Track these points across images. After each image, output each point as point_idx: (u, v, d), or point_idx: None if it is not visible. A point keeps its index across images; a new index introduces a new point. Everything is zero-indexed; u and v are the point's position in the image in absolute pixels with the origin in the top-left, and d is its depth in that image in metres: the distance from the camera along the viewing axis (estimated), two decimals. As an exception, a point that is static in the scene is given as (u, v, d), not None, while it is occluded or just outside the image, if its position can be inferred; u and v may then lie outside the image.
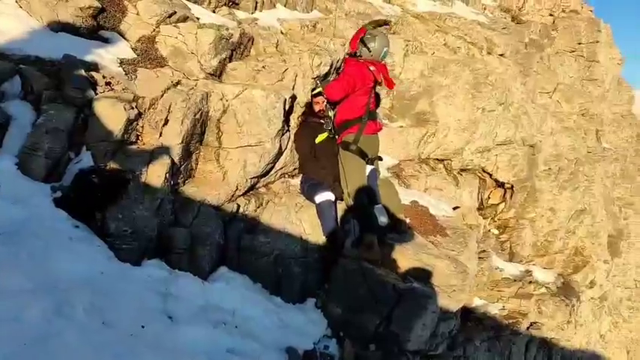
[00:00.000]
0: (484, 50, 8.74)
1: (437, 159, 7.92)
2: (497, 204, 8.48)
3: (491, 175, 8.35)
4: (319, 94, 5.08)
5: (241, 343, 3.34)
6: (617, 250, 11.27)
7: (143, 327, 2.87)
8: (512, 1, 12.80)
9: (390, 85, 5.24)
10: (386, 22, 5.56)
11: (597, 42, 12.54)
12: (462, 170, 8.11)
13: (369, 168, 5.07)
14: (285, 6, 7.01)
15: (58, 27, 4.34)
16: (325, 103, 5.06)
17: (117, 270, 3.24)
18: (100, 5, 4.65)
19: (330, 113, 5.07)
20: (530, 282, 7.96)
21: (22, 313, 2.41)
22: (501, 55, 8.85)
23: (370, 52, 5.05)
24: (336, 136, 5.01)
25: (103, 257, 3.27)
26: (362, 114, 4.94)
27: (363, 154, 4.88)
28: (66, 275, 2.81)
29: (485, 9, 11.47)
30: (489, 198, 8.48)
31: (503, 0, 12.73)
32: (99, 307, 2.74)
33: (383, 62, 5.22)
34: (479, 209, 8.14)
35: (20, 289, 2.54)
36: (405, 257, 4.87)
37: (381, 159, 5.36)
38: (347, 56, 5.27)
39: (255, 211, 4.79)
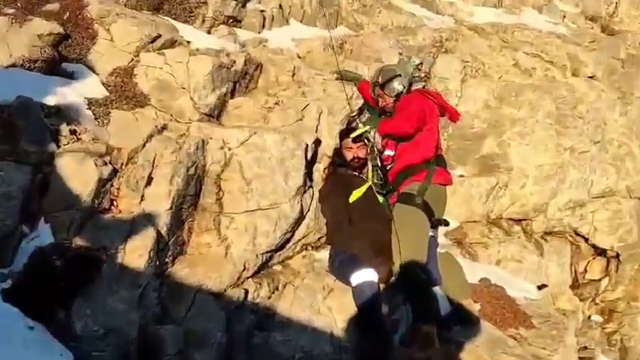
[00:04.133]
0: (568, 71, 8.77)
1: (512, 219, 7.83)
2: (599, 279, 8.28)
3: (587, 240, 8.19)
4: (359, 137, 5.13)
5: None
6: None
7: None
8: (601, 6, 12.91)
9: (455, 115, 5.32)
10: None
11: None
12: (547, 234, 7.98)
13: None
14: (301, 22, 7.19)
15: (10, 61, 4.45)
16: (372, 145, 5.12)
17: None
18: (62, 31, 4.79)
19: (377, 161, 5.15)
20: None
21: None
22: (591, 76, 8.85)
23: (400, 73, 5.26)
24: (389, 192, 5.06)
25: (66, 371, 3.21)
26: (431, 156, 4.99)
27: (428, 211, 4.85)
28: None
29: (564, 17, 11.60)
30: (587, 271, 8.29)
31: (588, 5, 12.89)
32: None
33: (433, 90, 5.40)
34: (573, 287, 7.95)
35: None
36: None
37: (447, 223, 5.32)
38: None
39: (270, 297, 4.74)
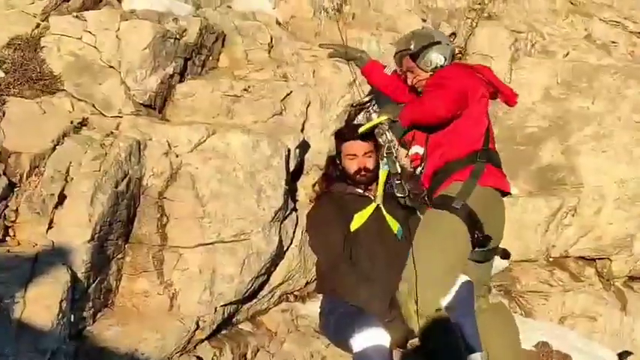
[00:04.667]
0: (666, 46, 8.84)
1: (583, 258, 7.85)
2: None
3: (691, 288, 8.21)
4: (371, 131, 4.98)
5: None
6: None
7: None
8: None
9: (511, 97, 5.23)
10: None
11: None
12: (633, 279, 8.00)
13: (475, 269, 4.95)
14: (284, -26, 7.23)
15: None
16: (391, 143, 4.92)
17: None
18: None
19: (404, 160, 5.05)
20: None
21: None
22: (699, 54, 8.92)
23: (443, 41, 5.17)
24: (421, 204, 4.95)
25: None
26: (479, 148, 4.89)
27: (473, 224, 4.74)
28: None
29: (659, -33, 11.70)
30: (692, 334, 8.31)
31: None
32: None
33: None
34: (672, 356, 7.96)
35: None
36: None
37: (506, 255, 5.22)
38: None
39: (235, 370, 4.74)
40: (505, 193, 4.97)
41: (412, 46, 5.08)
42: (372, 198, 5.22)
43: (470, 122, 4.81)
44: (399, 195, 4.82)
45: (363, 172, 5.15)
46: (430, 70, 5.03)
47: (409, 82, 5.26)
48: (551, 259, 7.69)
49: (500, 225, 4.96)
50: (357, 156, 5.14)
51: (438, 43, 5.09)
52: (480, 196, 4.65)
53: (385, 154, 4.88)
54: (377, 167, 5.14)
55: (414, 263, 4.47)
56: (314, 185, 5.44)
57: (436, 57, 5.07)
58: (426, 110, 4.68)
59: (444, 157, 4.81)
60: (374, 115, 4.97)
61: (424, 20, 7.24)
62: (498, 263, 5.70)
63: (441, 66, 5.05)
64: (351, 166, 5.18)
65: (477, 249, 4.69)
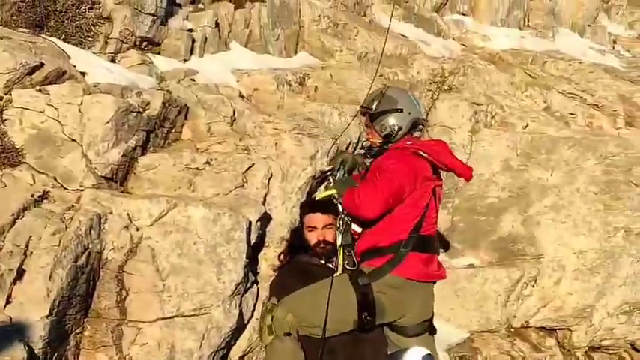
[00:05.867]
0: (620, 118, 8.96)
1: (543, 328, 7.87)
2: (668, 411, 8.29)
3: (648, 357, 8.24)
4: (328, 202, 5.05)
5: None
6: None
7: None
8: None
9: (466, 173, 5.25)
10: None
11: None
12: (594, 349, 8.03)
13: (415, 354, 5.00)
14: (246, 46, 7.29)
15: None
16: (342, 218, 5.00)
17: None
18: None
19: (348, 237, 5.09)
20: None
21: None
22: (653, 127, 9.06)
23: (405, 109, 5.17)
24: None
25: None
26: (404, 237, 4.92)
27: (366, 302, 4.79)
28: None
29: (615, 43, 11.94)
30: (649, 403, 8.32)
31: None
32: None
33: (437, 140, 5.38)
34: None
35: None
36: None
37: (434, 331, 5.30)
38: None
39: None
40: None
41: (374, 107, 5.10)
42: (335, 269, 5.22)
43: (406, 210, 4.85)
44: (347, 267, 4.90)
45: (322, 245, 5.12)
46: (383, 136, 5.08)
47: (366, 136, 5.37)
48: (512, 330, 7.70)
49: (418, 308, 5.01)
50: (316, 228, 5.13)
51: (400, 110, 5.09)
52: (390, 284, 4.79)
53: (339, 225, 4.98)
54: (335, 242, 5.16)
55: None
56: (279, 255, 5.43)
57: (392, 125, 5.06)
58: (359, 207, 4.75)
59: (372, 241, 4.91)
60: (322, 188, 5.09)
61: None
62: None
63: (395, 134, 5.08)
64: (312, 238, 5.17)
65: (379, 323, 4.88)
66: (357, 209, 4.76)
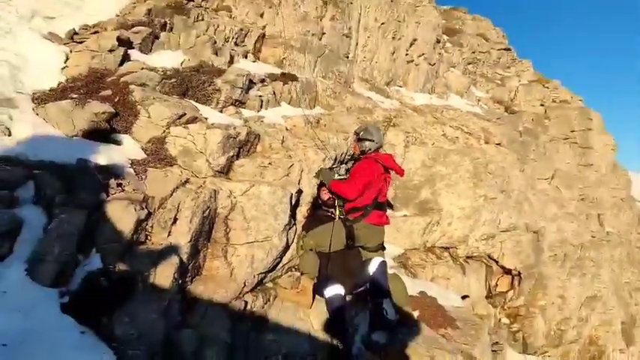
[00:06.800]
0: (482, 140, 8.94)
1: (442, 247, 7.85)
2: (506, 291, 8.28)
3: (497, 262, 8.22)
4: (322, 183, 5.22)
5: None
6: (631, 338, 10.84)
7: None
8: (504, 93, 13.27)
9: (400, 171, 5.33)
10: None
11: (589, 129, 12.85)
12: (469, 258, 8.00)
13: (375, 261, 5.01)
14: (289, 104, 7.27)
15: (73, 132, 4.46)
16: (334, 193, 5.17)
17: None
18: (113, 110, 4.81)
19: (340, 202, 5.20)
20: (547, 374, 7.61)
21: None
22: (498, 144, 9.04)
23: (374, 140, 5.24)
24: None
25: (109, 366, 3.12)
26: (368, 203, 5.01)
27: (349, 234, 4.98)
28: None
29: (479, 101, 11.88)
30: (497, 285, 8.30)
31: (495, 92, 13.21)
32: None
33: (387, 153, 5.41)
34: (487, 297, 7.94)
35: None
36: (418, 354, 4.68)
37: (383, 248, 5.34)
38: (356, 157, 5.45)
39: (263, 307, 4.66)
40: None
41: (361, 134, 5.24)
42: (333, 216, 5.26)
43: (370, 190, 5.01)
44: (340, 217, 5.19)
45: (330, 199, 5.39)
46: (361, 151, 5.20)
47: (352, 148, 5.63)
48: (426, 248, 7.69)
49: (375, 238, 5.16)
50: (326, 191, 5.34)
51: (372, 140, 5.20)
52: (362, 226, 5.02)
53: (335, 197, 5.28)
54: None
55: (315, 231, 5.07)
56: (307, 210, 5.43)
57: (367, 146, 5.21)
58: (344, 192, 5.01)
59: (353, 204, 5.07)
60: (321, 172, 5.21)
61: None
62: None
63: (367, 152, 5.16)
64: (324, 196, 5.44)
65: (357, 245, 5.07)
66: (344, 194, 4.93)
